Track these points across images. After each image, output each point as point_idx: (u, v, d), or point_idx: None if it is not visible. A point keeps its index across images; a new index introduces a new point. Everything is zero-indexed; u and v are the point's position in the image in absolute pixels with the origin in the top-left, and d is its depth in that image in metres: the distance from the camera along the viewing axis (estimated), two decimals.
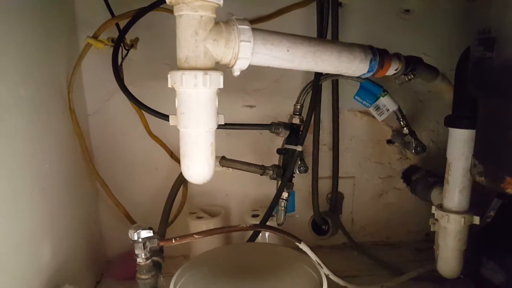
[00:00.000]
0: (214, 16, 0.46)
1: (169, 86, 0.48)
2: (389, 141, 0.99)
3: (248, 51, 0.47)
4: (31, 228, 0.61)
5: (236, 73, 0.49)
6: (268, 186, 0.90)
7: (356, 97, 0.86)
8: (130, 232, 0.59)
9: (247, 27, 0.46)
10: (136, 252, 0.60)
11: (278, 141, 0.87)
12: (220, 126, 0.52)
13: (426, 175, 0.92)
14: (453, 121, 0.70)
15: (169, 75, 0.47)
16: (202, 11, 0.44)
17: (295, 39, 0.51)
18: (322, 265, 0.68)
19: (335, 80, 0.87)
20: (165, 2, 0.46)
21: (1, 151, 0.54)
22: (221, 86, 0.48)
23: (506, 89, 0.50)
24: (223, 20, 0.48)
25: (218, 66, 0.49)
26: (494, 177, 0.55)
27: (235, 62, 0.47)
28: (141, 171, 0.93)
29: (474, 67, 0.57)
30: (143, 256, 0.60)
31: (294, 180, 0.84)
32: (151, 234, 0.60)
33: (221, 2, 0.46)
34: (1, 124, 0.54)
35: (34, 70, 0.65)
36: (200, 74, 0.45)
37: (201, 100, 0.47)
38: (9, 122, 0.56)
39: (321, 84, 0.83)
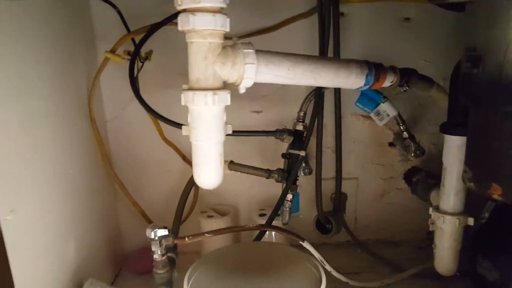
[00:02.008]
0: (222, 41, 0.52)
1: (183, 104, 0.53)
2: (391, 144, 1.02)
3: (252, 72, 0.52)
4: (59, 228, 0.67)
5: (242, 91, 0.54)
6: (274, 187, 0.94)
7: (357, 103, 0.90)
8: (148, 231, 0.65)
9: (251, 50, 0.51)
10: (153, 249, 0.65)
11: (284, 144, 0.91)
12: (228, 134, 0.57)
13: (426, 176, 0.95)
14: (447, 128, 0.73)
15: (182, 95, 0.52)
16: (211, 38, 0.50)
17: (295, 58, 0.56)
18: (324, 262, 0.73)
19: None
20: (176, 17, 0.51)
21: (32, 160, 0.60)
22: (229, 103, 0.53)
23: (491, 102, 0.55)
24: (229, 44, 0.53)
25: (225, 85, 0.55)
26: (482, 183, 0.59)
27: (241, 82, 0.52)
28: (156, 173, 0.99)
29: (463, 80, 0.61)
30: (159, 253, 0.66)
31: (299, 181, 0.88)
32: (167, 233, 0.66)
33: (228, 29, 0.51)
34: (31, 136, 0.60)
35: (59, 83, 0.71)
36: (209, 94, 0.50)
37: (211, 116, 0.52)
38: (38, 133, 0.62)
39: (324, 92, 0.87)
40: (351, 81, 0.61)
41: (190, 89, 0.52)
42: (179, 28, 0.50)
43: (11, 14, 0.55)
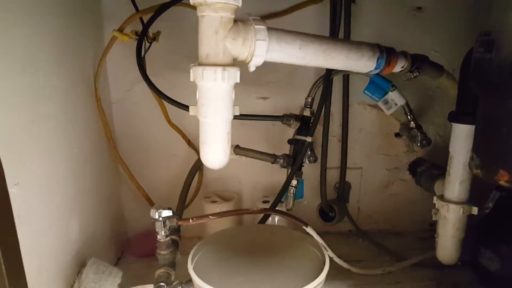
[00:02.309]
0: (233, 16, 0.51)
1: (191, 80, 0.53)
2: (397, 134, 1.02)
3: (263, 49, 0.51)
4: (63, 205, 0.67)
5: (252, 68, 0.53)
6: (278, 175, 0.95)
7: (366, 91, 0.89)
8: (152, 211, 0.65)
9: (263, 27, 0.51)
10: (157, 230, 0.65)
11: (290, 131, 0.91)
12: (235, 117, 0.57)
13: (431, 167, 0.95)
14: (456, 117, 0.73)
15: (191, 70, 0.52)
16: (223, 12, 0.49)
17: (307, 37, 0.55)
18: (327, 247, 0.73)
19: (346, 74, 0.90)
20: None
21: (37, 136, 0.60)
22: (238, 81, 0.53)
23: (502, 88, 0.54)
24: (241, 20, 0.52)
25: (235, 62, 0.54)
26: (489, 170, 0.58)
27: (251, 59, 0.52)
28: (160, 157, 0.99)
29: (475, 67, 0.60)
30: (163, 234, 0.65)
31: (304, 169, 0.88)
32: (171, 214, 0.66)
33: (240, 4, 0.50)
34: (38, 110, 0.60)
35: (66, 61, 0.70)
36: (219, 69, 0.50)
37: (220, 93, 0.52)
38: (45, 109, 0.62)
39: (332, 78, 0.86)
40: (362, 63, 0.60)
41: (200, 64, 0.51)
42: (191, 1, 0.49)
43: None
